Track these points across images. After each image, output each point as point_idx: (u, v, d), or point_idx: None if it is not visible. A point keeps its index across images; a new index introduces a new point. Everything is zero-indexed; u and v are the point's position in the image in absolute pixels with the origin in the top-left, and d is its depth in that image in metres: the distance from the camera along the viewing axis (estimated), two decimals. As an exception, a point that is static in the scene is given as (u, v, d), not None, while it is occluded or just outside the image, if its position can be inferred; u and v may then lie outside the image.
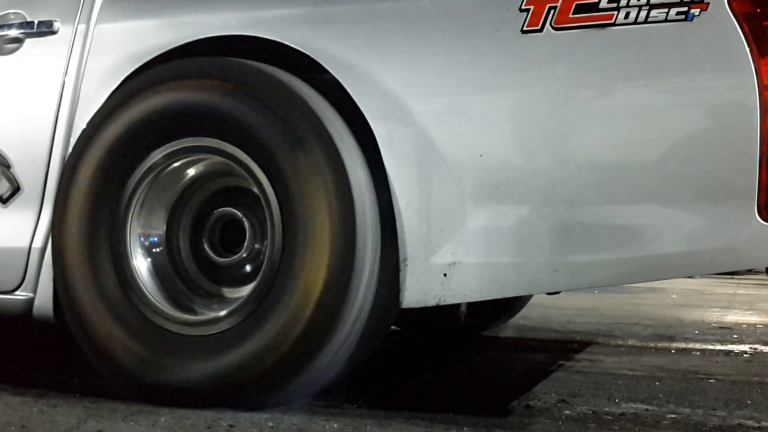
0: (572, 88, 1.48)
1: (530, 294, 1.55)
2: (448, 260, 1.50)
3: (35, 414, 1.51)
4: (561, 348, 2.67)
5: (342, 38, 1.59)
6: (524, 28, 1.47)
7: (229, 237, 1.71)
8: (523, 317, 3.23)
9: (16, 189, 1.83)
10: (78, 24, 1.82)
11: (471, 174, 1.51)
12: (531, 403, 1.76)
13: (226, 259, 1.70)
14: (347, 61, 1.57)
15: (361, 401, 1.67)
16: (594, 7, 1.45)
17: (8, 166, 1.83)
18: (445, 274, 1.49)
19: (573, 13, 1.45)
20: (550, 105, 1.48)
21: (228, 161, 1.63)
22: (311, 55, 1.59)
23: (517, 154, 1.50)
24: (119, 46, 1.77)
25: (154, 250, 1.70)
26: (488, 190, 1.50)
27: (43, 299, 1.77)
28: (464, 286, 1.49)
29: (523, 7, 1.47)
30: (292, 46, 1.60)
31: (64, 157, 1.77)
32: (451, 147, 1.52)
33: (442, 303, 1.49)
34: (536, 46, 1.47)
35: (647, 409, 1.74)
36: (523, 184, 1.49)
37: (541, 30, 1.46)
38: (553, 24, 1.46)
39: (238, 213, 1.69)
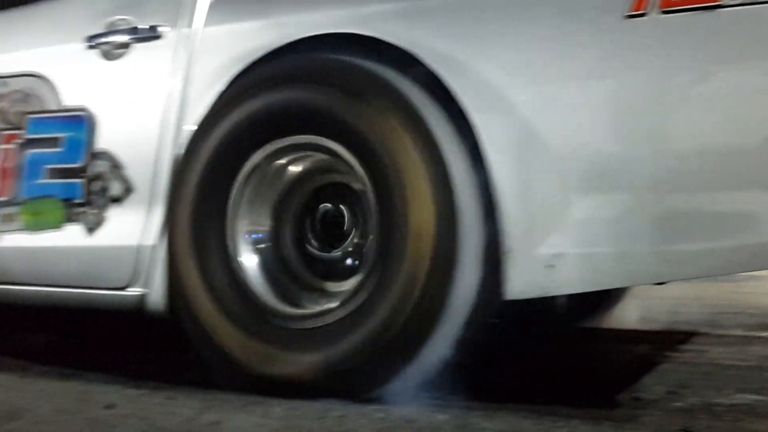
0: (679, 73, 1.44)
1: (636, 285, 1.52)
2: (553, 251, 1.48)
3: (154, 406, 1.58)
4: (665, 338, 2.61)
5: (441, 31, 1.59)
6: (628, 13, 1.44)
7: (332, 232, 1.74)
8: (622, 307, 3.17)
9: (128, 189, 1.90)
10: (183, 28, 1.88)
11: (574, 163, 1.48)
12: (639, 395, 1.72)
13: (329, 254, 1.73)
14: (446, 54, 1.57)
15: (466, 394, 1.67)
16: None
17: (121, 168, 1.92)
18: (549, 266, 1.48)
19: (679, -4, 1.41)
20: (656, 91, 1.45)
21: (330, 157, 1.66)
22: (410, 50, 1.59)
23: (621, 141, 1.47)
24: (223, 49, 1.82)
25: (260, 246, 1.74)
26: (592, 180, 1.48)
27: (156, 295, 1.84)
28: (569, 277, 1.47)
29: (627, -9, 1.44)
30: (391, 41, 1.61)
31: (172, 158, 1.83)
32: (553, 136, 1.50)
33: (546, 295, 1.48)
34: (641, 31, 1.43)
35: (759, 400, 1.69)
36: (628, 173, 1.46)
37: (646, 14, 1.43)
38: (659, 7, 1.42)
39: (341, 208, 1.72)
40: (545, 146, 1.50)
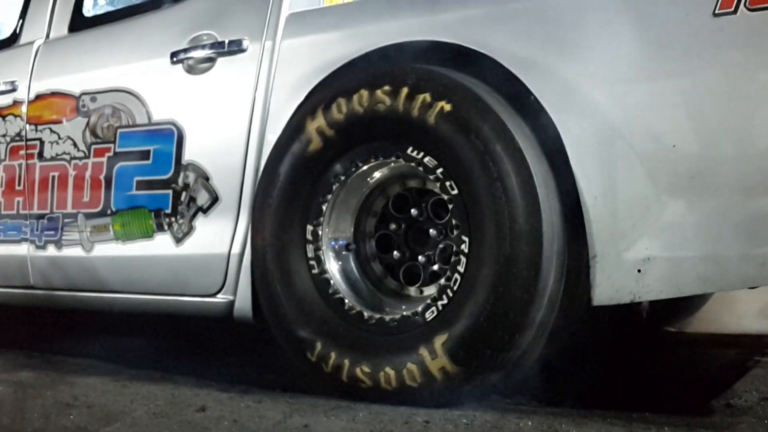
0: (766, 70, 1.40)
1: (727, 289, 1.48)
2: (642, 255, 1.46)
3: (243, 409, 1.62)
4: (753, 343, 2.53)
5: (521, 35, 1.58)
6: (716, 11, 1.41)
7: (414, 238, 1.75)
8: (710, 311, 3.08)
9: (215, 199, 1.96)
10: (265, 41, 1.93)
11: (664, 165, 1.46)
12: (732, 401, 1.68)
13: (411, 261, 1.74)
14: (527, 57, 1.57)
15: (552, 400, 1.66)
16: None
17: (207, 178, 1.97)
18: (639, 270, 1.46)
19: (770, -6, 1.37)
20: (747, 90, 1.41)
21: (411, 164, 1.68)
22: (490, 55, 1.60)
23: (712, 142, 1.44)
24: (304, 60, 1.86)
25: (343, 252, 1.77)
26: (683, 182, 1.45)
27: (243, 302, 1.89)
28: (660, 282, 1.44)
29: (715, -10, 1.41)
30: (471, 47, 1.61)
31: (257, 168, 1.88)
32: (640, 138, 1.48)
33: (636, 300, 1.45)
34: (730, 29, 1.40)
35: None
36: (720, 174, 1.43)
37: (735, 12, 1.39)
38: (747, 5, 1.38)
39: (423, 215, 1.73)
40: (632, 148, 1.48)
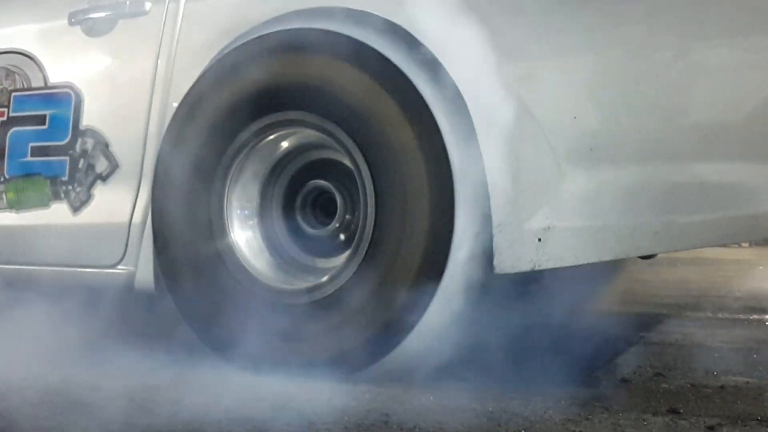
0: (668, 45, 1.44)
1: (628, 257, 1.53)
2: (543, 225, 1.48)
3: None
4: (650, 321, 2.62)
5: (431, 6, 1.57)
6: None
7: (321, 209, 1.73)
8: (607, 291, 3.17)
9: (115, 167, 1.89)
10: (168, 3, 1.86)
11: (564, 137, 1.49)
12: (626, 376, 1.73)
13: (319, 231, 1.73)
14: (436, 29, 1.56)
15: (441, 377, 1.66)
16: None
17: (107, 145, 1.90)
18: (539, 239, 1.48)
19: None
20: (645, 63, 1.45)
21: (319, 134, 1.65)
22: (401, 24, 1.58)
23: (611, 115, 1.48)
24: (209, 23, 1.81)
25: (248, 222, 1.74)
26: (583, 153, 1.48)
27: (144, 273, 1.83)
28: (560, 251, 1.47)
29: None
30: (381, 15, 1.60)
31: (159, 135, 1.82)
32: (542, 110, 1.50)
33: (536, 268, 1.48)
34: (630, 5, 1.43)
35: (747, 382, 1.69)
36: (620, 146, 1.46)
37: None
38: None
39: (330, 185, 1.72)
40: (536, 120, 1.50)
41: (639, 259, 2.77)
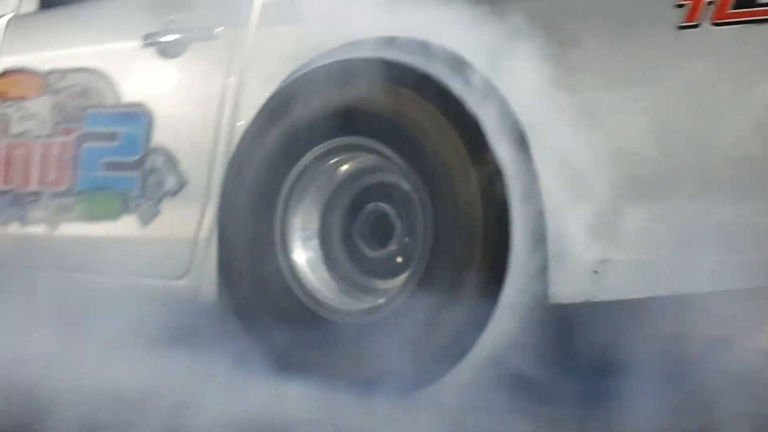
0: (732, 83, 1.46)
1: (681, 293, 1.54)
2: (599, 257, 1.51)
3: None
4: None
5: (497, 35, 1.61)
6: (681, 24, 1.46)
7: (380, 231, 1.78)
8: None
9: (183, 184, 1.97)
10: (238, 29, 1.93)
11: (623, 171, 1.51)
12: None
13: (377, 253, 1.78)
14: (495, 58, 1.60)
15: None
16: (753, 3, 1.42)
17: (176, 163, 1.98)
18: (595, 271, 1.51)
19: (731, 9, 1.43)
20: (708, 101, 1.46)
21: (378, 158, 1.71)
22: (456, 51, 1.62)
23: (673, 151, 1.49)
24: (277, 50, 1.87)
25: (309, 243, 1.79)
26: (641, 188, 1.50)
27: (208, 286, 1.90)
28: (615, 284, 1.50)
29: (679, 3, 1.46)
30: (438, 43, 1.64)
31: (226, 155, 1.89)
32: (601, 143, 1.52)
33: (591, 300, 1.50)
34: (693, 42, 1.45)
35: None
36: (678, 182, 1.48)
37: (698, 26, 1.44)
38: (711, 19, 1.44)
39: (388, 208, 1.77)
40: (595, 153, 1.52)
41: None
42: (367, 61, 1.68)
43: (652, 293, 1.50)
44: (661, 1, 1.47)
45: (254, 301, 1.76)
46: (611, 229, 1.51)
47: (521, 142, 1.57)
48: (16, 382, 1.68)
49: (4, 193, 2.27)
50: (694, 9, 1.44)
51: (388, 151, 1.66)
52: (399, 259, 1.75)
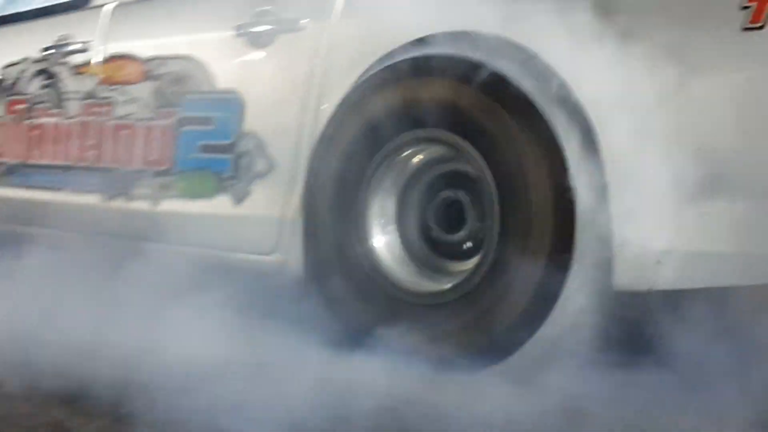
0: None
1: (738, 284, 1.58)
2: (662, 247, 1.57)
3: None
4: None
5: (567, 32, 1.67)
6: (746, 26, 1.48)
7: (454, 216, 1.89)
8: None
9: (271, 166, 2.11)
10: (322, 21, 2.05)
11: (689, 164, 1.56)
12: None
13: (451, 237, 1.89)
14: (566, 52, 1.66)
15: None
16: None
17: (265, 146, 2.12)
18: (658, 261, 1.57)
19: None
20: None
21: (450, 149, 1.81)
22: (528, 46, 1.69)
23: (736, 147, 1.53)
24: (358, 42, 1.97)
25: (388, 227, 1.91)
26: (706, 181, 1.54)
27: (294, 262, 2.05)
28: (676, 274, 1.56)
29: (744, 4, 1.48)
30: (513, 39, 1.71)
31: (311, 141, 2.01)
32: (668, 136, 1.57)
33: (653, 289, 1.57)
34: (757, 42, 1.48)
35: None
36: (742, 177, 1.52)
37: (762, 27, 1.47)
38: (777, 20, 1.46)
39: (461, 195, 1.86)
40: (660, 145, 1.57)
41: None
42: (440, 58, 1.77)
43: (712, 284, 1.55)
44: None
45: (336, 280, 1.90)
46: (674, 220, 1.57)
47: (589, 135, 1.63)
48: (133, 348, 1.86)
49: (111, 170, 2.47)
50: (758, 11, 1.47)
51: (461, 143, 1.75)
52: (470, 244, 1.85)
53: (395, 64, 1.84)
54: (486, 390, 1.61)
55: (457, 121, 1.75)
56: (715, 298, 1.55)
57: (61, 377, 1.61)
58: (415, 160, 1.90)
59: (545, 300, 1.65)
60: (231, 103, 2.18)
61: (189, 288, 2.14)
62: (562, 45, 1.65)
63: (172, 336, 1.91)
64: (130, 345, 1.85)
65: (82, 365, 1.69)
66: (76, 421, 1.38)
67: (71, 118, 2.58)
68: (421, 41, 1.83)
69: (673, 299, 1.59)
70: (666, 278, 1.57)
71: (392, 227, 1.91)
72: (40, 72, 2.70)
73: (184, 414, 1.43)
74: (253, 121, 2.14)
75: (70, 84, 2.59)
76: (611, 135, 1.62)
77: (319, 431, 1.41)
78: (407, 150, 1.87)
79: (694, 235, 1.56)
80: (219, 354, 1.80)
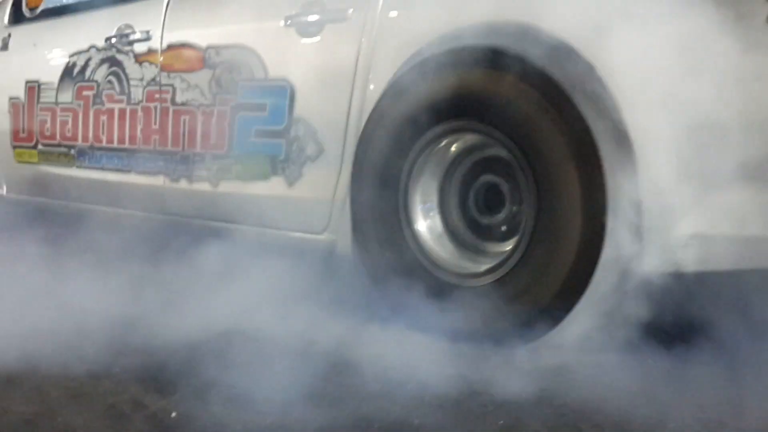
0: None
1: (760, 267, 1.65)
2: (690, 231, 1.64)
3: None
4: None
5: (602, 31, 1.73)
6: (771, 18, 1.53)
7: (493, 200, 1.98)
8: None
9: (321, 150, 2.23)
10: (367, 11, 2.14)
11: (716, 151, 1.62)
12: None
13: (490, 220, 1.98)
14: (602, 48, 1.73)
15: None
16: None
17: (315, 131, 2.24)
18: (686, 244, 1.64)
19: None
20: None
21: (486, 138, 1.91)
22: (569, 42, 1.76)
23: (762, 135, 1.59)
24: (401, 31, 2.06)
25: (430, 212, 2.02)
26: (733, 168, 1.61)
27: (344, 241, 2.18)
28: (704, 257, 1.63)
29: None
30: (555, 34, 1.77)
31: (358, 127, 2.13)
32: (693, 124, 1.63)
33: (681, 271, 1.65)
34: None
35: None
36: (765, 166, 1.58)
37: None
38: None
39: (499, 180, 1.96)
40: (688, 133, 1.64)
41: None
42: (476, 49, 1.85)
43: (738, 266, 1.62)
44: None
45: (381, 261, 2.02)
46: (702, 205, 1.63)
47: (619, 121, 1.70)
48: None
49: (174, 153, 2.63)
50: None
51: (496, 133, 1.84)
52: (507, 227, 1.94)
53: (431, 56, 1.93)
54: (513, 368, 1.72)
55: (494, 111, 1.84)
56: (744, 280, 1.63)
57: (139, 354, 1.77)
58: (454, 147, 2.00)
59: (578, 282, 1.74)
60: (282, 91, 2.30)
61: (250, 265, 2.30)
62: (599, 39, 1.72)
63: (237, 312, 2.07)
64: (200, 320, 1.99)
65: (155, 342, 1.84)
66: (151, 397, 1.53)
67: (135, 103, 2.73)
68: (456, 33, 1.91)
69: (701, 281, 1.67)
70: (693, 261, 1.64)
71: (435, 210, 2.02)
72: (105, 60, 2.86)
73: (253, 388, 1.56)
74: (303, 107, 2.26)
75: (133, 71, 2.74)
76: (642, 120, 1.69)
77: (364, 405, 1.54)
78: (447, 138, 1.97)
79: (723, 219, 1.62)
80: (278, 331, 1.94)
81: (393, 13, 2.10)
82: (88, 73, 2.93)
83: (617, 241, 1.72)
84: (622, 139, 1.70)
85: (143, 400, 1.51)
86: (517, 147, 1.82)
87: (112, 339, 1.87)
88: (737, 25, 1.58)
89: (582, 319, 1.76)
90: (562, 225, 1.76)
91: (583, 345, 1.77)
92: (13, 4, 3.40)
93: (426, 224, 2.01)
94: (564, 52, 1.75)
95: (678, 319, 1.87)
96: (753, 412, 1.53)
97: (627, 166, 1.69)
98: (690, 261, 1.65)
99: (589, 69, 1.73)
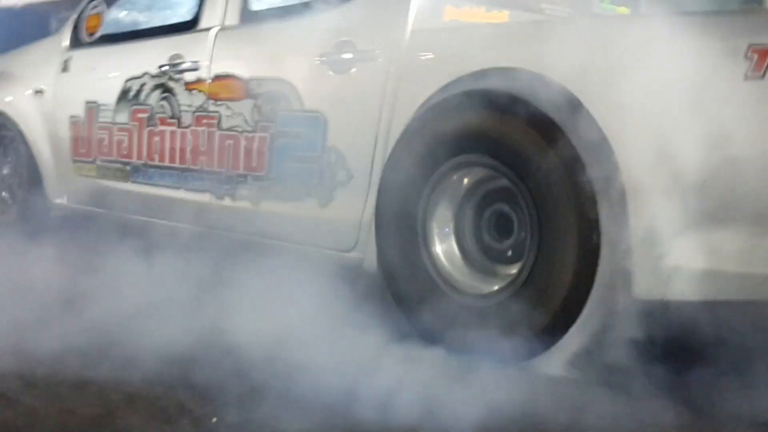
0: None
1: (736, 299, 1.85)
2: (673, 264, 1.83)
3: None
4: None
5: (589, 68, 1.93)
6: (747, 75, 1.71)
7: (503, 226, 2.19)
8: None
9: (350, 177, 2.46)
10: (392, 53, 2.36)
11: (698, 193, 1.80)
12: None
13: (501, 245, 2.19)
14: (592, 88, 1.92)
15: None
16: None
17: (345, 159, 2.47)
18: (669, 275, 1.83)
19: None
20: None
21: (493, 172, 2.12)
22: (562, 83, 1.95)
23: (740, 180, 1.77)
24: (422, 72, 2.28)
25: (447, 238, 2.24)
26: (713, 209, 1.79)
27: (370, 260, 2.41)
28: (684, 288, 1.82)
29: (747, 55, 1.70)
30: (555, 79, 1.98)
31: (383, 156, 2.35)
32: (680, 168, 1.82)
33: (664, 299, 1.84)
34: (758, 92, 1.70)
35: None
36: (744, 207, 1.76)
37: (763, 77, 1.69)
38: (772, 71, 1.68)
39: (509, 209, 2.16)
40: (674, 175, 1.83)
41: None
42: (488, 92, 2.06)
43: (714, 297, 1.81)
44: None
45: (402, 281, 2.24)
46: (684, 240, 1.82)
47: (612, 161, 1.90)
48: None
49: (219, 173, 2.88)
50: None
51: (503, 168, 2.06)
52: (513, 252, 2.15)
53: (448, 98, 2.14)
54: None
55: (502, 149, 2.04)
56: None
57: (185, 362, 2.00)
58: (467, 179, 2.21)
59: (575, 304, 1.94)
60: (317, 121, 2.53)
61: (289, 278, 2.52)
62: (599, 89, 1.92)
63: (273, 321, 2.28)
64: (243, 330, 2.19)
65: (202, 350, 2.07)
66: (196, 402, 1.76)
67: (185, 127, 2.99)
68: (474, 75, 2.12)
69: (684, 309, 1.86)
70: (675, 290, 1.83)
71: (451, 236, 2.24)
72: (158, 86, 3.12)
73: (298, 396, 1.75)
74: (335, 137, 2.49)
75: (183, 98, 3.00)
76: (632, 169, 1.88)
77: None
78: (459, 171, 2.18)
79: (701, 255, 1.81)
80: (312, 345, 2.15)
81: (417, 56, 2.32)
82: (142, 97, 3.20)
83: (609, 270, 1.91)
84: (615, 179, 1.89)
85: (188, 405, 1.75)
86: (521, 181, 2.02)
87: (164, 346, 2.09)
88: (720, 80, 1.77)
89: (576, 339, 1.96)
90: (560, 255, 1.95)
91: (576, 363, 1.97)
92: (74, 30, 3.69)
93: (443, 247, 2.23)
94: (567, 99, 1.95)
95: (664, 341, 2.06)
96: None
97: (619, 205, 1.88)
98: (672, 290, 1.84)
99: (588, 115, 1.92)
